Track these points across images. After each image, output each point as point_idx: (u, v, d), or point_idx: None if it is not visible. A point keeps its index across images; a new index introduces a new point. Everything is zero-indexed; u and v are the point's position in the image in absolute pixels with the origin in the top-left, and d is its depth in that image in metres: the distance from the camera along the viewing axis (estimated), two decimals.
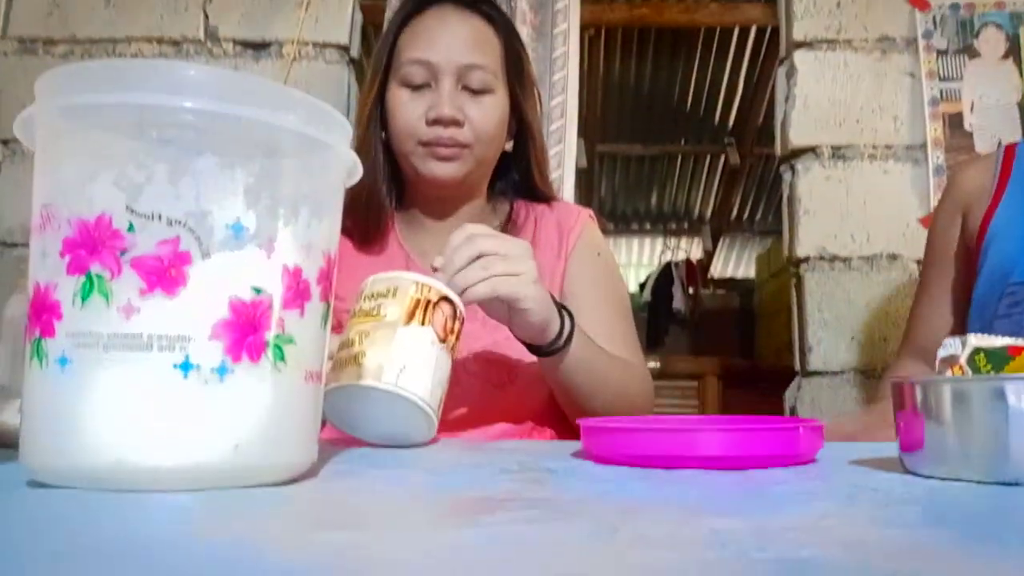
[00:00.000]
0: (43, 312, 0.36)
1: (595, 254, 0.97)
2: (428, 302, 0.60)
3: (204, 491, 0.35)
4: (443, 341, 0.61)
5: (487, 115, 0.90)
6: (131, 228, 0.35)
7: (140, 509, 0.31)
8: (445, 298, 0.62)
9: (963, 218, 1.02)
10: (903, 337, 1.09)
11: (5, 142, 1.83)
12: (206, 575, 0.21)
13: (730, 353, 3.80)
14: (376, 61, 0.94)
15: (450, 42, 0.89)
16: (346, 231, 0.94)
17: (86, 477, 0.34)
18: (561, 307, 0.76)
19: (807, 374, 1.77)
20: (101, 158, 0.36)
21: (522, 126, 0.97)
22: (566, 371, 0.79)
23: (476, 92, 0.89)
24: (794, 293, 1.85)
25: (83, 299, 0.35)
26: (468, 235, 0.68)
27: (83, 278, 0.35)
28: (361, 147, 0.94)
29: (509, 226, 0.95)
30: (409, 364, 0.58)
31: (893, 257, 1.77)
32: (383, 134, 0.94)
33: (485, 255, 0.67)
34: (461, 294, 0.65)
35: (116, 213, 0.35)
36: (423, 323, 0.60)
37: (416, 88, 0.89)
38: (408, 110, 0.89)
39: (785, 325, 2.23)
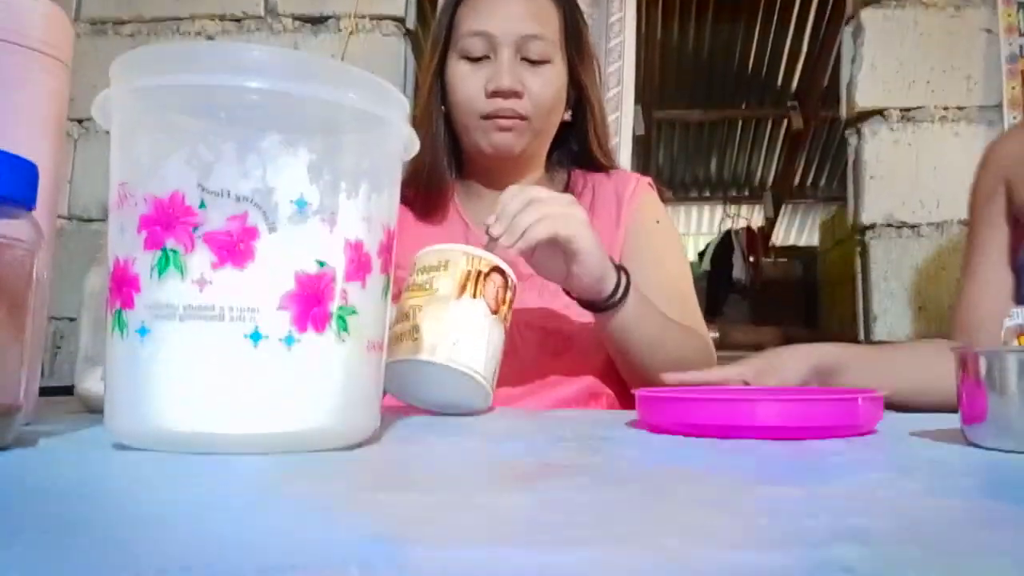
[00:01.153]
0: (123, 285, 0.38)
1: (654, 221, 0.96)
2: (479, 273, 0.61)
3: (275, 455, 0.37)
4: (495, 312, 0.61)
5: (546, 86, 0.90)
6: (202, 205, 0.36)
7: (216, 471, 0.33)
8: (496, 268, 0.62)
9: (1008, 191, 0.98)
10: (949, 321, 1.06)
11: (80, 121, 1.90)
12: (279, 532, 0.23)
13: (792, 323, 3.72)
14: (435, 35, 0.95)
15: (508, 13, 0.90)
16: (407, 201, 0.96)
17: (165, 441, 0.37)
18: (618, 265, 0.77)
19: (872, 344, 1.73)
20: (173, 138, 0.37)
21: (581, 96, 0.97)
22: (623, 329, 0.79)
23: (535, 63, 0.90)
24: (859, 261, 1.80)
25: (160, 272, 0.37)
26: (518, 187, 0.71)
27: (159, 253, 0.37)
28: (422, 121, 0.96)
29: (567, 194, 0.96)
30: (462, 338, 0.59)
31: (965, 223, 1.70)
32: (443, 107, 0.95)
33: (536, 200, 0.69)
34: (520, 238, 0.66)
35: (188, 191, 0.36)
36: (475, 295, 0.60)
37: (475, 60, 0.90)
38: (468, 82, 0.90)
39: (849, 295, 2.18)
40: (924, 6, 1.77)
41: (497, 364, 0.62)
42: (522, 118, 0.89)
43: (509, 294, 0.63)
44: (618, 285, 0.76)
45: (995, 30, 1.72)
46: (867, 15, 1.78)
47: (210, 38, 1.94)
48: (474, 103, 0.90)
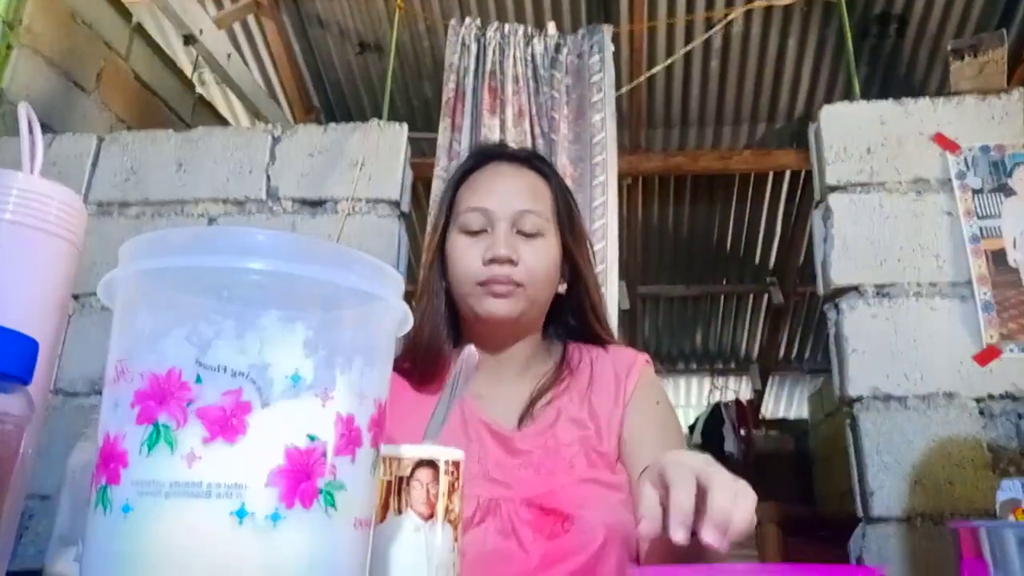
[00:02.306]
0: (111, 460, 0.38)
1: (654, 402, 0.98)
2: (400, 480, 0.55)
3: None
4: (429, 517, 0.55)
5: (539, 256, 0.95)
6: (199, 380, 0.37)
7: None
8: (420, 464, 0.56)
9: None
10: None
11: (76, 297, 1.94)
12: None
13: (788, 499, 3.62)
14: (437, 213, 1.02)
15: (505, 191, 0.97)
16: (405, 372, 0.98)
17: None
18: None
19: (871, 520, 1.68)
20: (176, 316, 0.39)
21: (575, 272, 1.02)
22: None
23: (529, 235, 0.95)
24: (850, 434, 1.79)
25: (149, 448, 0.37)
26: (681, 471, 0.59)
27: (150, 427, 0.37)
28: (422, 294, 1.00)
29: (564, 367, 0.99)
30: (396, 571, 0.54)
31: (950, 396, 1.72)
32: (443, 281, 0.99)
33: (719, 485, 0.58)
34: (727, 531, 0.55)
35: (186, 366, 0.37)
36: (399, 510, 0.55)
37: (474, 234, 0.96)
38: (467, 253, 0.95)
39: (845, 468, 2.15)
40: (887, 191, 1.89)
41: (450, 569, 0.56)
42: (517, 284, 0.93)
43: (445, 481, 0.56)
44: None
45: (955, 213, 1.83)
46: (834, 199, 1.90)
47: (212, 220, 2.02)
48: (472, 271, 0.94)
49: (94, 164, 2.09)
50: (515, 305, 0.93)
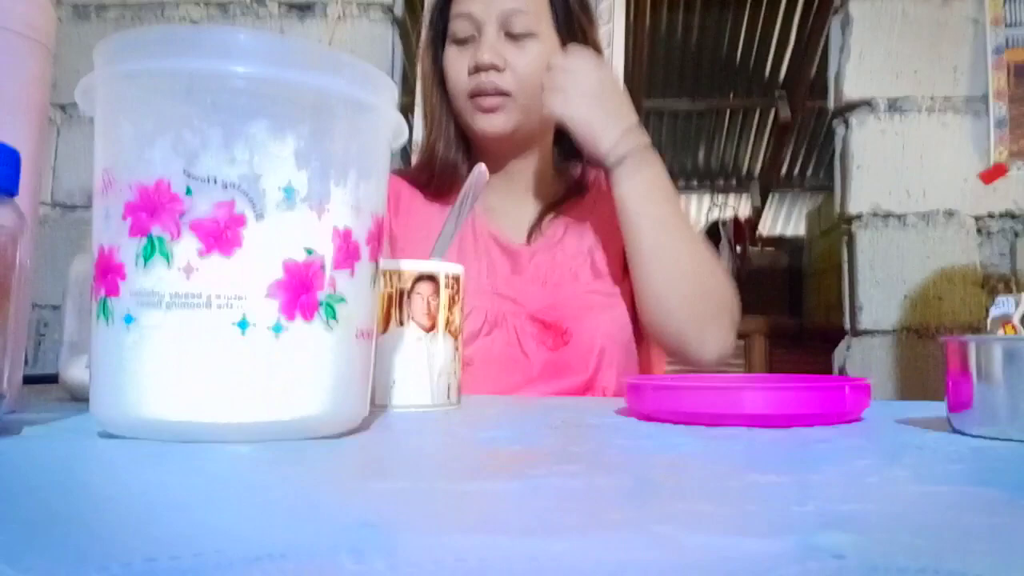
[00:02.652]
0: (108, 272, 0.37)
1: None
2: (401, 293, 0.57)
3: (263, 443, 0.37)
4: (431, 328, 0.57)
5: (529, 59, 0.89)
6: (188, 192, 0.36)
7: (204, 460, 0.33)
8: (421, 277, 0.57)
9: None
10: None
11: (63, 107, 1.88)
12: (269, 520, 0.23)
13: (778, 312, 3.75)
14: (429, 23, 0.96)
15: None
16: (420, 183, 0.97)
17: (151, 430, 0.36)
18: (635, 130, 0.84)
19: (857, 333, 1.74)
20: (159, 123, 0.37)
21: None
22: (630, 203, 0.83)
23: (518, 37, 0.89)
24: (845, 251, 1.81)
25: (145, 260, 0.36)
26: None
27: (145, 240, 0.36)
28: (426, 109, 0.96)
29: (574, 185, 0.97)
30: (399, 378, 0.56)
31: (950, 214, 1.72)
32: (445, 95, 0.95)
33: (549, 67, 0.81)
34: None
35: (174, 177, 0.36)
36: (401, 322, 0.56)
37: (462, 43, 0.91)
38: (455, 65, 0.91)
39: (835, 284, 2.19)
40: None
41: (451, 376, 0.58)
42: (504, 94, 0.89)
43: (446, 294, 0.58)
44: (624, 148, 0.81)
45: (982, 20, 1.73)
46: (855, 6, 1.79)
47: (194, 23, 1.92)
48: (460, 84, 0.90)
49: None
50: (507, 119, 0.90)
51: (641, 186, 0.82)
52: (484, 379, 0.83)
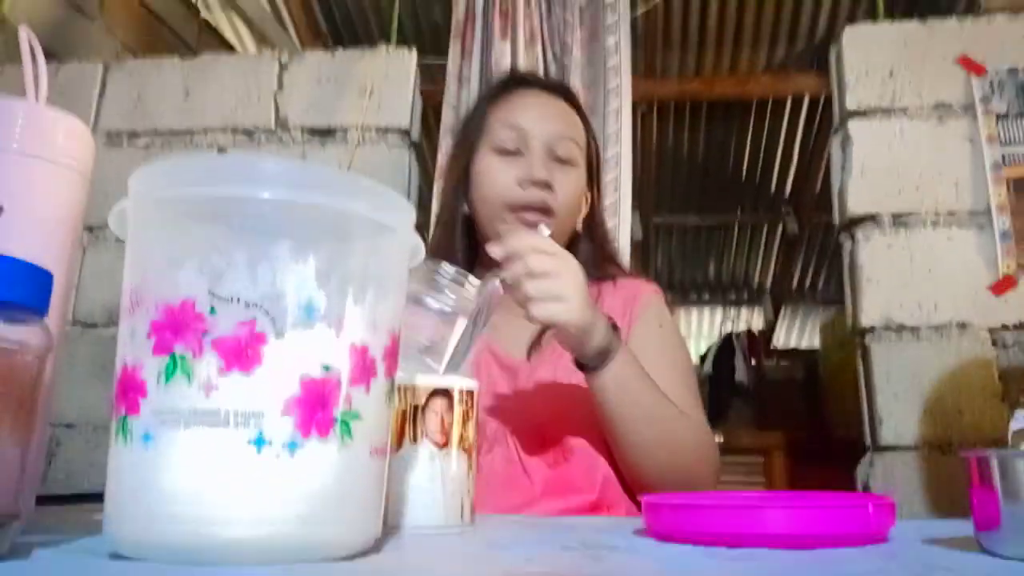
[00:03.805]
0: (129, 391, 0.38)
1: (657, 325, 0.97)
2: (415, 409, 0.56)
3: (276, 564, 0.36)
4: (444, 445, 0.56)
5: (571, 185, 0.93)
6: (212, 311, 0.37)
7: None
8: (435, 392, 0.57)
9: None
10: None
11: (90, 228, 1.94)
12: None
13: (797, 427, 3.67)
14: (464, 130, 0.99)
15: (541, 112, 0.94)
16: None
17: (165, 550, 0.36)
18: (614, 327, 0.80)
19: (879, 448, 1.70)
20: (186, 246, 0.38)
21: (591, 206, 1.01)
22: (610, 395, 0.79)
23: (563, 162, 0.93)
24: (861, 364, 1.80)
25: (167, 378, 0.37)
26: (524, 249, 0.73)
27: (167, 358, 0.37)
28: (443, 216, 0.98)
29: None
30: (412, 497, 0.55)
31: (963, 326, 1.71)
32: (465, 204, 0.97)
33: (532, 274, 0.73)
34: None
35: (199, 297, 0.37)
36: (415, 438, 0.56)
37: (507, 154, 0.92)
38: (500, 175, 0.92)
39: (853, 397, 2.16)
40: (908, 116, 1.84)
41: (464, 495, 0.58)
42: (550, 212, 0.91)
43: (459, 410, 0.58)
44: (608, 349, 0.78)
45: (977, 140, 1.78)
46: (854, 125, 1.85)
47: (222, 149, 2.01)
48: (505, 194, 0.91)
49: (101, 93, 2.06)
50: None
51: (620, 378, 0.80)
52: (486, 498, 0.81)
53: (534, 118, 0.93)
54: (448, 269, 0.67)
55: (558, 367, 0.93)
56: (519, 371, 0.93)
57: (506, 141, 0.92)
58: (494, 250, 0.73)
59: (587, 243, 1.02)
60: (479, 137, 0.96)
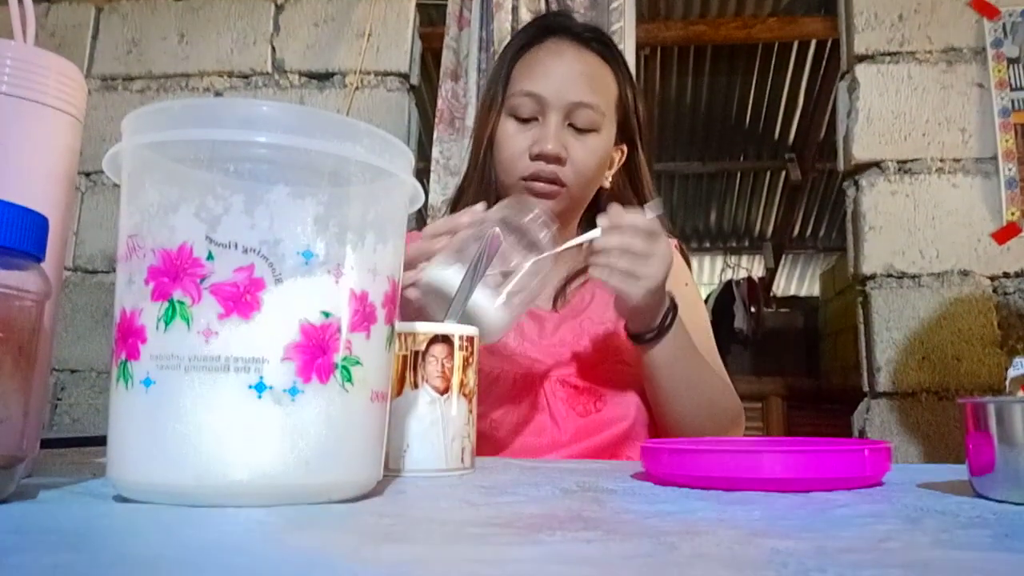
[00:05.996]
0: (129, 336, 0.38)
1: (683, 283, 0.97)
2: (416, 355, 0.56)
3: (277, 506, 0.36)
4: (444, 391, 0.57)
5: (589, 155, 0.90)
6: (210, 257, 0.37)
7: (218, 525, 0.33)
8: (435, 339, 0.57)
9: None
10: None
11: (87, 174, 1.93)
12: None
13: (795, 373, 3.71)
14: (488, 91, 0.96)
15: (563, 77, 0.89)
16: None
17: (167, 492, 0.36)
18: (674, 306, 0.81)
19: (876, 395, 1.72)
20: (183, 191, 0.38)
21: (632, 163, 0.98)
22: (661, 366, 0.82)
23: (581, 130, 0.89)
24: (860, 312, 1.80)
25: (166, 323, 0.37)
26: (626, 224, 0.74)
27: (166, 304, 0.37)
28: (472, 166, 0.97)
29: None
30: (413, 442, 0.55)
31: (965, 273, 1.71)
32: (492, 160, 0.95)
33: (627, 250, 0.74)
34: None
35: (197, 243, 0.37)
36: (415, 384, 0.56)
37: (523, 120, 0.90)
38: (513, 142, 0.90)
39: (851, 344, 2.17)
40: (917, 61, 1.81)
41: (465, 439, 0.58)
42: (561, 184, 0.89)
43: (460, 356, 0.58)
44: (665, 318, 0.79)
45: (987, 85, 1.75)
46: (861, 70, 1.82)
47: (218, 94, 1.98)
48: (516, 163, 0.89)
49: (94, 36, 2.02)
50: (555, 206, 0.89)
51: (671, 350, 0.82)
52: (511, 444, 0.82)
53: (553, 83, 0.89)
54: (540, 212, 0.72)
55: (584, 319, 0.93)
56: (546, 321, 0.93)
57: (522, 108, 0.90)
58: (602, 220, 0.75)
59: (618, 196, 0.98)
60: (501, 97, 0.93)
